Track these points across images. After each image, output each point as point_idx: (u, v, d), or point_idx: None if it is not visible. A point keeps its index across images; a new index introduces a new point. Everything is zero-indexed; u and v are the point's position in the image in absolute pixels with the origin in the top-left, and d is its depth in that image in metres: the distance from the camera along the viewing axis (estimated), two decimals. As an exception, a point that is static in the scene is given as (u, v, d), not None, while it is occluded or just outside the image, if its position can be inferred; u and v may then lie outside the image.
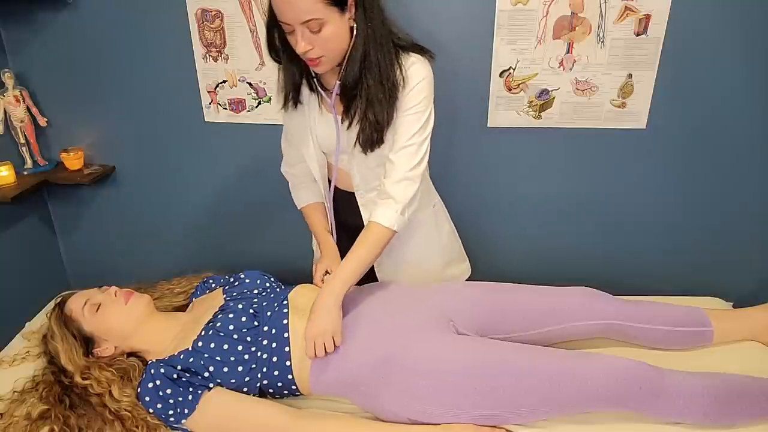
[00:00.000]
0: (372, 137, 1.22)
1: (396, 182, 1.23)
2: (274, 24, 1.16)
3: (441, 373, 1.16)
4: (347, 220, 1.45)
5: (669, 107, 1.63)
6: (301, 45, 1.11)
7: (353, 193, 1.39)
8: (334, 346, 1.21)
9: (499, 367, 1.16)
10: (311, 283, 1.45)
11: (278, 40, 1.20)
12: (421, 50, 1.22)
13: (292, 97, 1.29)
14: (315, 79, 1.26)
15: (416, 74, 1.19)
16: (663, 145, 1.69)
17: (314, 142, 1.34)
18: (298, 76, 1.26)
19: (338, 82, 1.20)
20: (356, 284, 1.38)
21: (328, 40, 1.11)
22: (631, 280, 1.83)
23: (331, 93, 1.24)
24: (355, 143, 1.25)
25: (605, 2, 1.52)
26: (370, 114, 1.19)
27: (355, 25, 1.13)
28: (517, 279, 1.52)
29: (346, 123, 1.24)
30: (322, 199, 1.48)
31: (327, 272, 1.43)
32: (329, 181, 1.42)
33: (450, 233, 1.55)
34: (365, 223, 1.37)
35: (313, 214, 1.50)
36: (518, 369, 1.15)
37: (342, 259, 1.29)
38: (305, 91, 1.30)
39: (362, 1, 1.11)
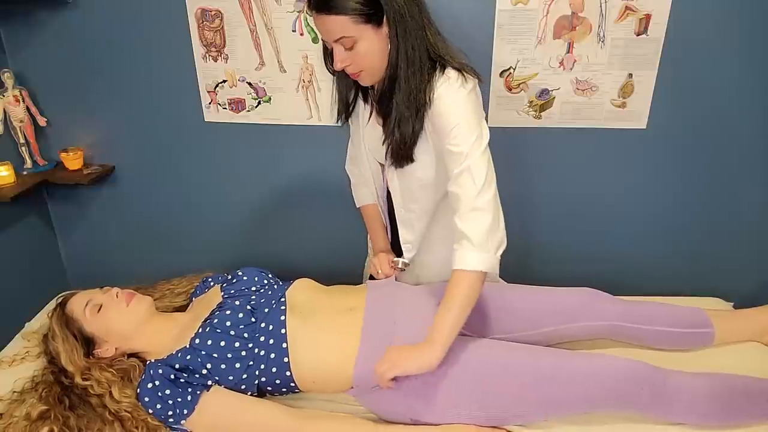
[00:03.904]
0: (398, 152, 1.22)
1: (464, 215, 1.13)
2: None
3: (442, 374, 1.16)
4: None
5: (669, 107, 1.63)
6: (337, 62, 1.13)
7: None
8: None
9: (500, 368, 1.16)
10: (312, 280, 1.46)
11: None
12: (462, 69, 1.15)
13: (342, 111, 1.33)
14: (372, 90, 1.27)
15: (441, 98, 1.13)
16: (663, 146, 1.68)
17: (366, 151, 1.39)
18: (351, 89, 1.30)
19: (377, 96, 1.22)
20: (371, 278, 1.43)
21: (363, 56, 1.12)
22: (632, 281, 1.83)
23: None
24: (386, 156, 1.26)
25: (605, 2, 1.51)
26: (397, 129, 1.19)
27: (389, 41, 1.12)
28: (517, 279, 1.53)
29: (384, 135, 1.25)
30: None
31: (395, 263, 1.45)
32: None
33: None
34: (402, 239, 1.42)
35: (369, 215, 1.53)
36: (519, 369, 1.15)
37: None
38: (361, 101, 1.33)
39: (398, 16, 1.09)
